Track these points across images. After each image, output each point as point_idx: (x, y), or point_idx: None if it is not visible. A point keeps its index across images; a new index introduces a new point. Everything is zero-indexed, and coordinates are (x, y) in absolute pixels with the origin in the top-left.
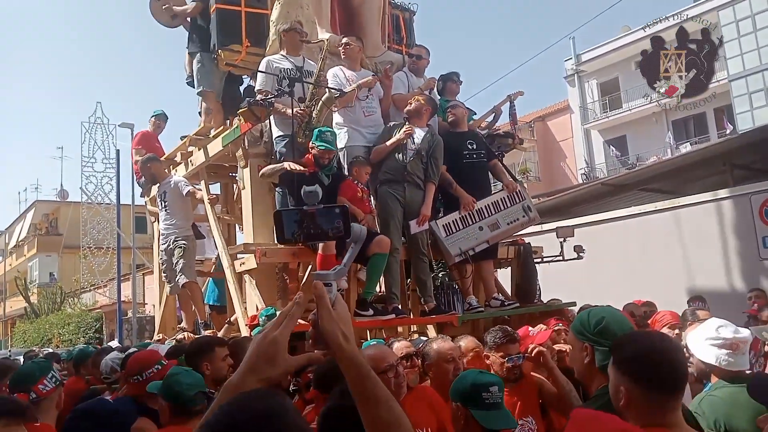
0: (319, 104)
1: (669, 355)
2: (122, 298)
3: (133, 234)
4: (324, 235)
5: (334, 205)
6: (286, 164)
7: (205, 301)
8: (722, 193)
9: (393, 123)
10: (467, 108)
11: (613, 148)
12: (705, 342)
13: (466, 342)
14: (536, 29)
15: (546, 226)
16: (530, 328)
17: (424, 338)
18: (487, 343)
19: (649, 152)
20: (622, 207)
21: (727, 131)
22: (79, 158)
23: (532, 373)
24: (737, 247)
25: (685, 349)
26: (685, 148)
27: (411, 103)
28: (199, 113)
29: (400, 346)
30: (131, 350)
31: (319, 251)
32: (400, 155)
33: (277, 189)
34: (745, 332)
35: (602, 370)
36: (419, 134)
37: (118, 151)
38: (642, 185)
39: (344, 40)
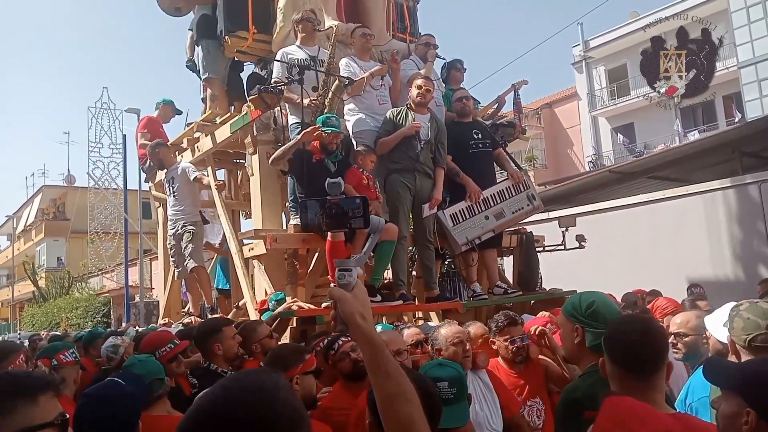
0: (330, 93)
1: (642, 339)
2: (129, 283)
3: (141, 219)
4: (344, 217)
5: (355, 196)
6: (296, 138)
7: (213, 285)
8: (731, 181)
9: (392, 110)
10: (473, 98)
11: (621, 136)
12: None
13: (475, 328)
14: (544, 15)
15: (550, 215)
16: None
17: (432, 324)
18: (492, 330)
19: (657, 140)
20: (629, 195)
21: (736, 119)
22: (86, 143)
23: (540, 356)
24: (746, 235)
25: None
26: (694, 135)
27: (413, 93)
28: (203, 100)
29: (410, 333)
30: (129, 331)
31: (329, 238)
32: (410, 146)
33: (288, 176)
34: None
35: (592, 350)
36: (425, 124)
37: (124, 136)
38: (650, 173)
39: (361, 31)
